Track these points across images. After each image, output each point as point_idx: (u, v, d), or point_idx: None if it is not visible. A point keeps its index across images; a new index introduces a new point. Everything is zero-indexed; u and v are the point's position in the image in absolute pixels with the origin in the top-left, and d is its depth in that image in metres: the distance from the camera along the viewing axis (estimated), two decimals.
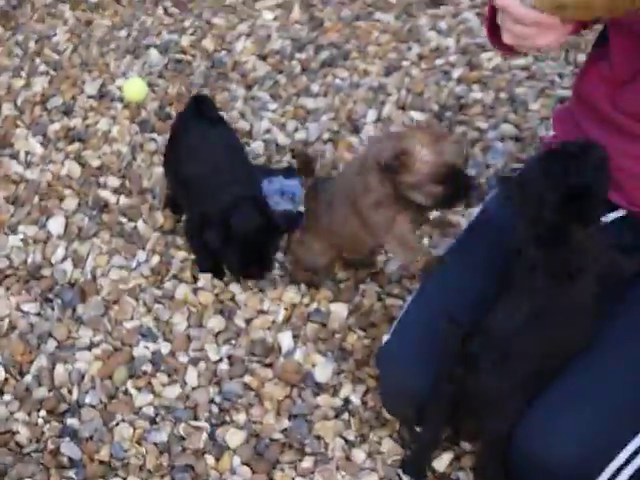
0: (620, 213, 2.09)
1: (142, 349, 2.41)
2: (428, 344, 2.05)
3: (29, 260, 2.65)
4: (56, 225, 2.76)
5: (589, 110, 2.09)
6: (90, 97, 3.20)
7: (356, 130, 3.05)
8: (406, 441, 2.22)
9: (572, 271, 1.88)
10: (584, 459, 1.88)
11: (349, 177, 2.21)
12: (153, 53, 3.36)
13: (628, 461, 1.92)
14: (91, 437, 2.25)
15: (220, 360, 2.40)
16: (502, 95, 3.13)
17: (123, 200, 2.82)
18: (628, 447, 1.91)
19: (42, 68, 3.30)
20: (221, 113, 2.78)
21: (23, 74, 3.28)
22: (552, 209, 1.82)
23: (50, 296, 2.56)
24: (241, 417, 2.27)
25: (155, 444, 2.22)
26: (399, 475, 2.16)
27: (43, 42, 3.43)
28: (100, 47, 3.39)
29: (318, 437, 2.24)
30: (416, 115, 3.08)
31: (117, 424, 2.27)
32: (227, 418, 2.27)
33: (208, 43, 3.42)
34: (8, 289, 2.59)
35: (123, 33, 3.45)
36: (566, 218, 1.84)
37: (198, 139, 2.60)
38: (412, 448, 2.15)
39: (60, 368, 2.37)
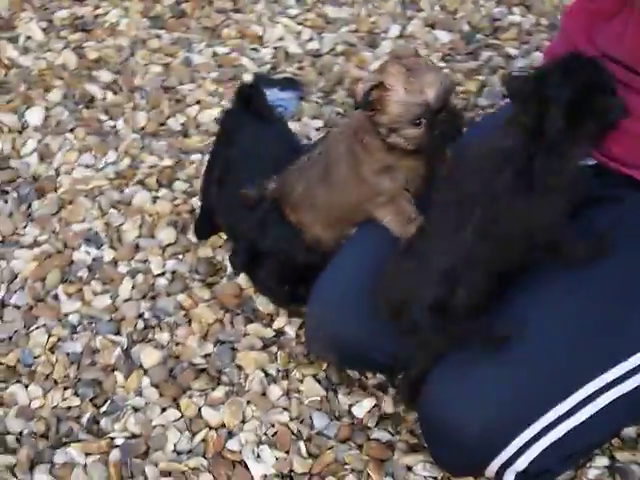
0: (589, 162, 1.91)
1: (83, 254, 2.35)
2: (357, 290, 1.94)
3: None
4: (35, 116, 2.71)
5: (569, 45, 1.95)
6: None
7: (373, 45, 2.86)
8: (332, 383, 2.08)
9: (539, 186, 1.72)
10: (488, 428, 1.76)
11: (345, 141, 2.01)
12: None
13: (539, 436, 1.78)
14: (9, 339, 2.17)
15: (162, 274, 2.31)
16: (543, 21, 2.90)
17: (110, 97, 2.73)
18: (540, 421, 1.78)
19: None
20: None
21: None
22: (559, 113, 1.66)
23: (7, 189, 2.48)
24: (164, 336, 2.18)
25: (67, 354, 2.15)
26: (311, 417, 2.02)
27: None
28: None
29: (239, 367, 2.12)
30: (442, 35, 2.90)
31: (37, 328, 2.18)
32: (150, 336, 2.19)
33: None
34: None
35: None
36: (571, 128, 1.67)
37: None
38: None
39: None
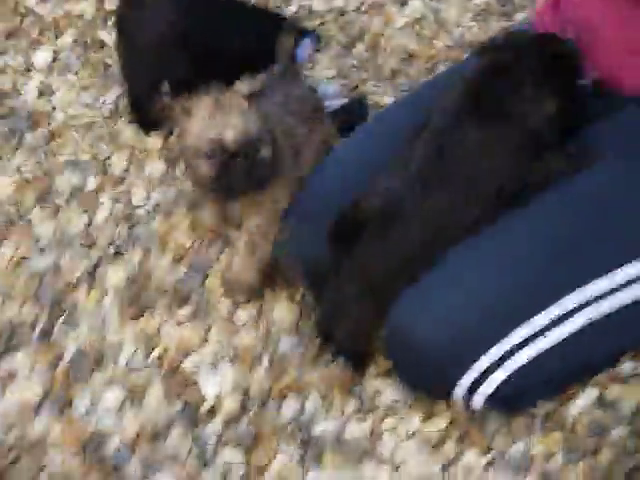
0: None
1: (65, 182, 2.32)
2: (323, 217, 1.84)
3: None
4: (42, 58, 2.69)
5: None
6: None
7: (404, 2, 2.80)
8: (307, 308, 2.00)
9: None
10: (455, 342, 1.69)
11: None
12: None
13: (510, 354, 1.70)
14: None
15: (143, 205, 2.28)
16: None
17: None
18: (511, 336, 1.69)
19: None
20: None
21: None
22: None
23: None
24: (135, 258, 2.18)
25: (31, 271, 2.14)
26: (277, 341, 1.94)
27: None
28: None
29: (209, 291, 2.10)
30: None
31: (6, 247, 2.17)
32: (120, 257, 2.15)
33: None
34: None
35: None
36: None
37: None
38: None
39: None
